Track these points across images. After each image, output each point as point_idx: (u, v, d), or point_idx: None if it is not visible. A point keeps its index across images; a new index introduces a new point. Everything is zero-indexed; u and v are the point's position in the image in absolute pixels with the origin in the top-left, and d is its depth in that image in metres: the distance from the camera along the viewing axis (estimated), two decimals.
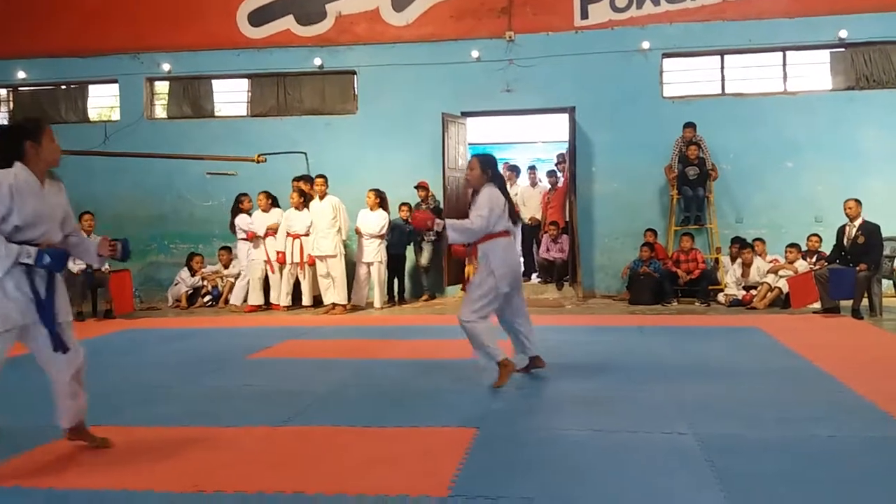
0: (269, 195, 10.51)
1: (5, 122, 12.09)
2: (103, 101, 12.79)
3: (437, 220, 5.36)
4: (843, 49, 10.95)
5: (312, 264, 10.19)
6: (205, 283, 11.01)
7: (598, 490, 3.45)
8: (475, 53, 11.36)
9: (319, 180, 9.98)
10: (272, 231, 10.31)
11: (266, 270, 10.35)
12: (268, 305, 10.43)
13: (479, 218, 5.27)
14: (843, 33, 10.74)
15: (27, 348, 3.86)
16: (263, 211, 10.43)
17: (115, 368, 6.39)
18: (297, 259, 10.18)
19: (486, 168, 5.48)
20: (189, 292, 10.93)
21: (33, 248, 3.66)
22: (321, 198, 9.92)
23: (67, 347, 3.84)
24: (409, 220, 10.28)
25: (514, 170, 12.97)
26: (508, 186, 12.20)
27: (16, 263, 3.62)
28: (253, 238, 10.34)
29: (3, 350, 3.68)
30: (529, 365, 5.75)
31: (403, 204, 10.64)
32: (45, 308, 3.75)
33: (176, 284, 11.00)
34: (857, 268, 8.59)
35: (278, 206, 10.63)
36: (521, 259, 12.30)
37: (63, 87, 12.66)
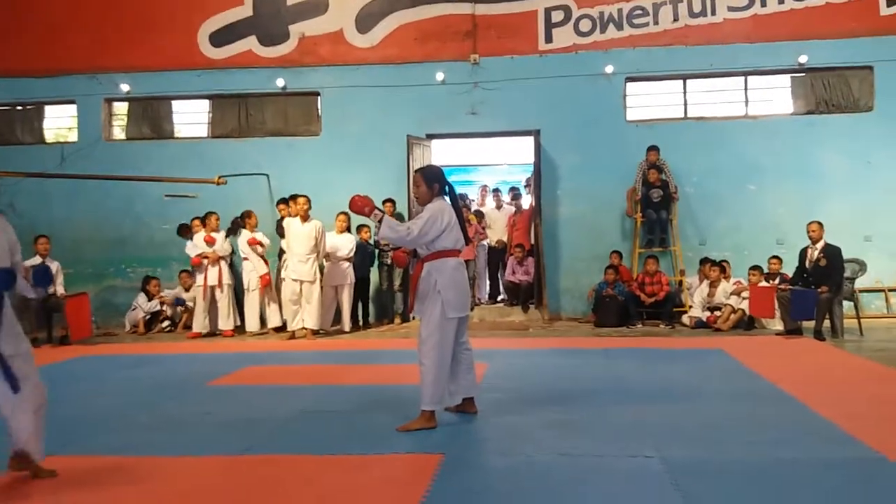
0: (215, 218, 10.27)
1: None
2: (60, 122, 12.52)
3: (376, 211, 4.93)
4: (803, 74, 11.15)
5: (268, 284, 10.03)
6: (164, 307, 10.76)
7: None
8: (440, 76, 11.38)
9: (302, 200, 9.56)
10: (201, 259, 10.02)
11: (211, 295, 10.10)
12: (216, 332, 10.17)
13: (415, 225, 4.89)
14: (803, 58, 10.94)
15: None
16: (214, 232, 10.16)
17: (72, 396, 6.19)
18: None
19: (432, 182, 5.06)
20: (147, 317, 10.67)
21: None
22: (304, 220, 9.59)
23: (18, 386, 3.75)
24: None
25: (484, 189, 13.05)
26: (477, 205, 12.35)
27: None
28: (199, 263, 10.07)
29: None
30: (461, 406, 5.24)
31: (363, 226, 10.54)
32: None
33: (133, 309, 10.71)
34: (819, 290, 8.69)
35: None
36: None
37: (19, 107, 12.36)
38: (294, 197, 9.85)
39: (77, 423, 5.12)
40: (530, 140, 11.24)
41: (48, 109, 12.40)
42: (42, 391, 3.95)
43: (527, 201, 12.11)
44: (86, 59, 11.83)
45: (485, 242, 12.01)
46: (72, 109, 12.16)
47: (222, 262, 10.11)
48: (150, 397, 6.16)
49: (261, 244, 10.14)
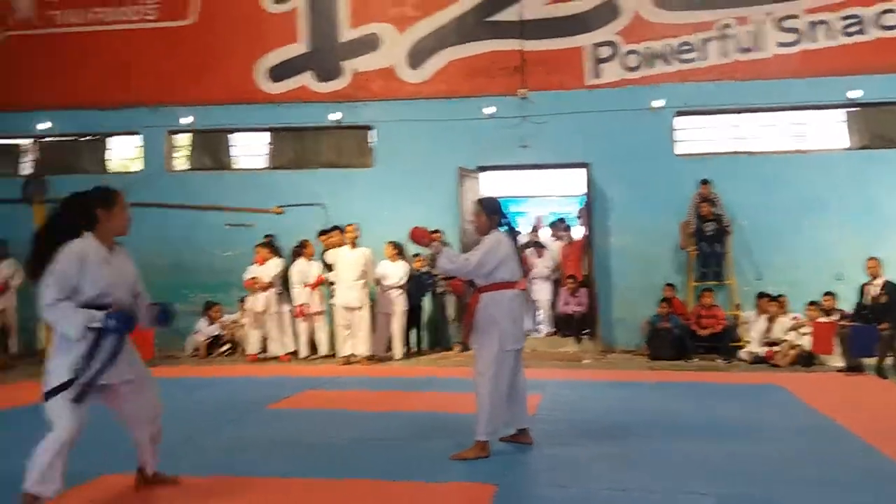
0: (265, 246, 10.52)
1: (31, 173, 12.24)
2: (125, 153, 12.99)
3: (435, 243, 5.06)
4: (857, 108, 11.03)
5: (302, 316, 10.24)
6: (224, 332, 11.05)
7: None
8: (490, 109, 11.53)
9: (350, 227, 9.88)
10: (251, 283, 10.29)
11: (264, 320, 10.37)
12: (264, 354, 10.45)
13: (473, 256, 4.97)
14: (855, 93, 10.85)
15: (108, 405, 4.02)
16: (259, 265, 10.41)
17: None
18: (315, 308, 10.29)
19: (492, 213, 5.16)
20: (208, 341, 10.95)
21: (100, 312, 3.78)
22: (352, 247, 9.86)
23: None
24: (430, 257, 10.28)
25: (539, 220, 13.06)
26: (550, 240, 12.30)
27: (88, 328, 3.75)
28: (249, 287, 10.35)
29: (83, 405, 3.79)
30: (516, 437, 5.23)
31: (417, 255, 10.67)
32: (107, 366, 3.85)
33: (195, 333, 11.03)
34: (880, 326, 8.51)
35: (280, 255, 10.64)
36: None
37: (85, 138, 12.87)
38: (336, 228, 10.21)
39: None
40: (578, 171, 11.30)
41: (113, 140, 12.87)
42: (159, 410, 4.17)
43: (577, 232, 12.11)
44: (150, 92, 12.27)
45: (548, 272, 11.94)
46: (136, 140, 12.60)
47: (271, 289, 10.31)
48: (211, 419, 6.33)
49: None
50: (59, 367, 3.78)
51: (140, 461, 4.25)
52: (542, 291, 11.87)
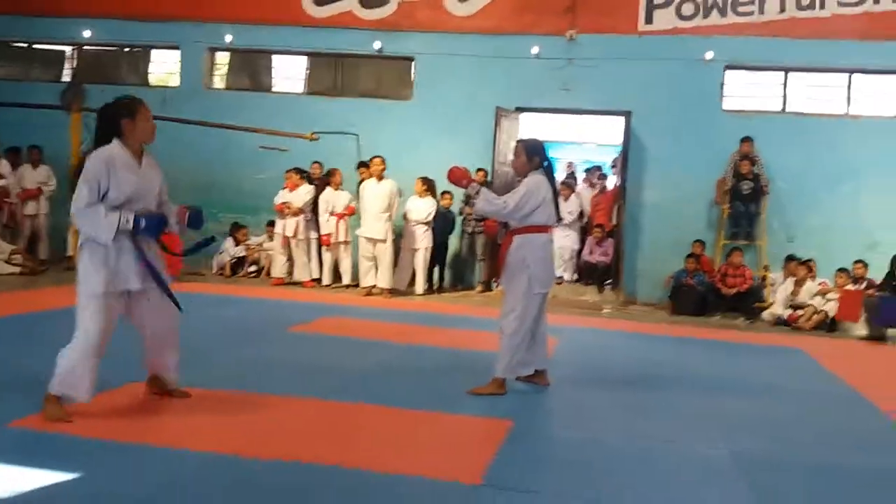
0: (297, 171, 10.52)
1: (70, 80, 12.29)
2: (164, 67, 12.95)
3: (473, 182, 5.02)
4: None
5: (327, 245, 10.29)
6: (248, 254, 11.20)
7: (628, 496, 3.45)
8: (535, 49, 11.29)
9: (377, 160, 9.93)
10: (282, 207, 10.34)
11: (292, 245, 10.48)
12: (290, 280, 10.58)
13: (511, 199, 4.92)
14: None
15: (128, 312, 4.11)
16: (290, 190, 10.42)
17: None
18: (341, 238, 10.30)
19: (533, 154, 5.10)
20: (233, 261, 11.12)
21: (131, 214, 3.90)
22: (378, 179, 9.93)
23: (178, 304, 4.17)
24: (465, 202, 10.28)
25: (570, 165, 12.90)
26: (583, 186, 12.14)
27: (118, 231, 3.86)
28: (280, 211, 10.43)
29: (111, 311, 3.92)
30: (533, 377, 5.26)
31: (446, 192, 10.62)
32: (152, 270, 4.02)
33: (220, 253, 11.17)
34: None
35: (312, 183, 10.65)
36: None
37: (126, 49, 12.85)
38: (370, 159, 10.17)
39: None
40: (619, 120, 11.10)
41: (153, 54, 12.82)
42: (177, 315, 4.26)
43: (611, 182, 11.99)
44: (192, 7, 12.09)
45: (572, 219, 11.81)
46: (175, 55, 12.54)
47: (301, 216, 10.38)
48: (232, 337, 6.46)
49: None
50: (88, 271, 3.87)
51: (151, 371, 4.38)
52: (566, 239, 11.74)
